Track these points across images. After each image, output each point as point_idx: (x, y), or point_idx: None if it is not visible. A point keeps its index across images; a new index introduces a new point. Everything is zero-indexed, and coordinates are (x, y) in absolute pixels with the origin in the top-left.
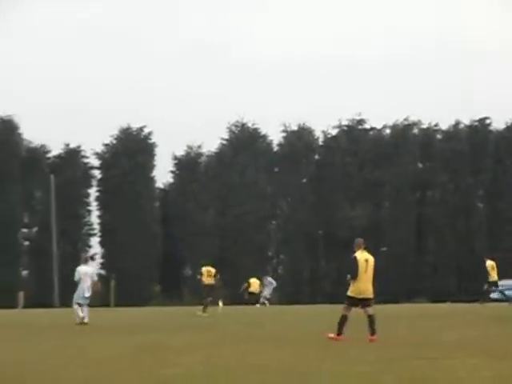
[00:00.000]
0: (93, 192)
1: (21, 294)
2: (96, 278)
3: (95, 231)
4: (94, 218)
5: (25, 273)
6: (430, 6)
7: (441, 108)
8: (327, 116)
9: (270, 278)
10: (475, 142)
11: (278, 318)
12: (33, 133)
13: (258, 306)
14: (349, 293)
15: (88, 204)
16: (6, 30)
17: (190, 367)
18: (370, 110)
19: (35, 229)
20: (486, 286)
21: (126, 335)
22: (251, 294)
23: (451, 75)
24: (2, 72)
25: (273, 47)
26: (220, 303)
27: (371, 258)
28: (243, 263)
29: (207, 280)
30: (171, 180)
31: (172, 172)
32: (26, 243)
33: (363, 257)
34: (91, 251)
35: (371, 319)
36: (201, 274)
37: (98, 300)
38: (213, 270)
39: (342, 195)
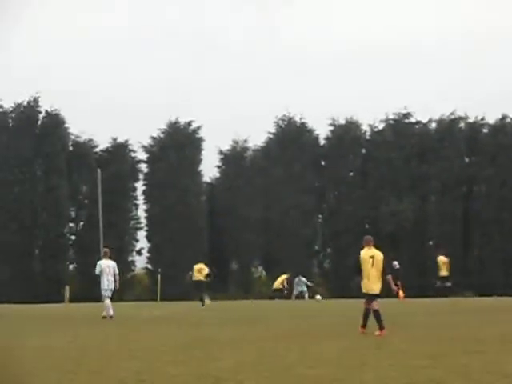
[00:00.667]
0: (139, 186)
1: (67, 288)
2: (117, 272)
3: (142, 225)
4: (141, 211)
5: (71, 267)
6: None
7: (487, 102)
8: (374, 109)
9: (303, 279)
10: None
11: (326, 312)
12: (80, 127)
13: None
14: (362, 290)
15: (135, 198)
16: (52, 26)
17: (239, 361)
18: (417, 103)
19: (82, 223)
20: None
21: (176, 328)
22: (275, 290)
23: (500, 68)
24: (49, 67)
25: (319, 40)
26: (207, 300)
27: (378, 254)
28: (289, 257)
29: (197, 276)
30: (217, 174)
31: (218, 167)
32: (73, 237)
33: (368, 253)
34: (138, 245)
35: (376, 314)
36: (192, 271)
37: (146, 294)
38: (205, 269)
39: (388, 189)
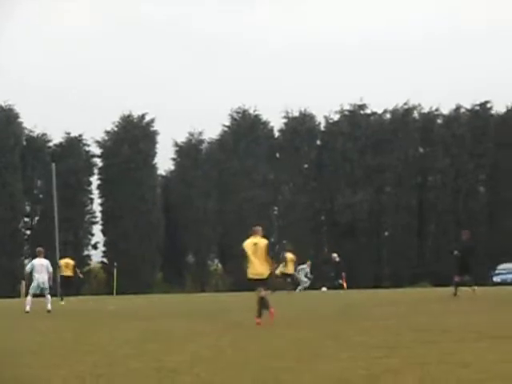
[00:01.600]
0: (94, 180)
1: (23, 284)
2: (51, 270)
3: (97, 219)
4: (96, 205)
5: (27, 262)
6: None
7: (441, 92)
8: (329, 101)
9: (304, 266)
10: (476, 126)
11: (285, 304)
12: (33, 122)
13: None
14: (248, 276)
15: (90, 192)
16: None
17: (196, 354)
18: (372, 94)
19: (37, 218)
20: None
21: (130, 322)
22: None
23: (454, 59)
24: (2, 61)
25: (274, 33)
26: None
27: (262, 241)
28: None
29: (65, 272)
30: (173, 167)
31: (173, 159)
32: (28, 232)
33: (252, 241)
34: (93, 239)
35: (262, 301)
36: (58, 267)
37: (102, 288)
38: (71, 263)
39: (343, 181)
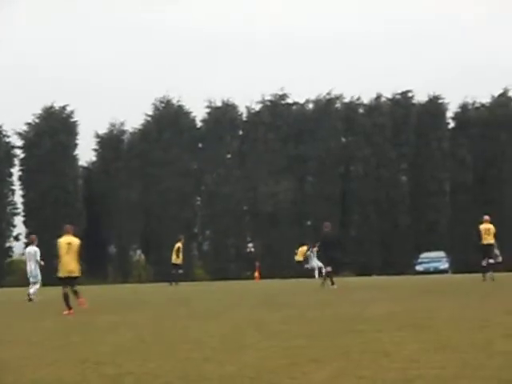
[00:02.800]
0: (16, 171)
1: None
2: (38, 258)
3: (19, 210)
4: (18, 197)
5: None
6: None
7: (363, 81)
8: (251, 91)
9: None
10: (397, 115)
11: (203, 295)
12: None
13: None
14: (59, 274)
15: (11, 183)
16: None
17: (118, 344)
18: (294, 85)
19: None
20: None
21: (54, 314)
22: (298, 262)
23: (373, 48)
24: None
25: (199, 22)
26: None
27: (75, 241)
28: (168, 240)
29: None
30: (95, 158)
31: (95, 150)
32: None
33: (66, 240)
34: (15, 231)
35: (75, 294)
36: None
37: (25, 280)
38: None
39: (266, 170)
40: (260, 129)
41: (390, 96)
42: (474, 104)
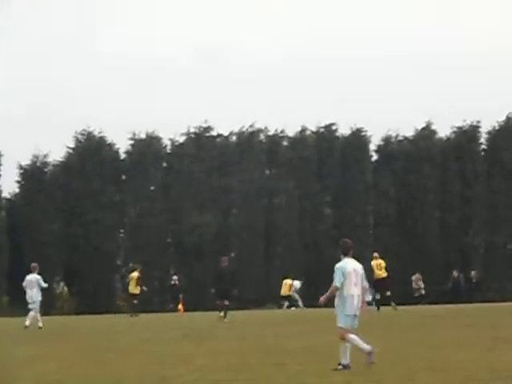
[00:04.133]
0: None
1: None
2: (43, 285)
3: None
4: None
5: None
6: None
7: (287, 114)
8: (175, 124)
9: (296, 282)
10: (321, 148)
11: (126, 328)
12: None
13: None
14: None
15: None
16: None
17: (40, 378)
18: (218, 117)
19: None
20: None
21: None
22: (283, 297)
23: (297, 81)
24: None
25: (116, 53)
26: None
27: None
28: (91, 272)
29: None
30: (17, 190)
31: (18, 182)
32: None
33: None
34: None
35: None
36: None
37: None
38: None
39: (190, 202)
40: (184, 161)
41: (314, 129)
42: (397, 137)
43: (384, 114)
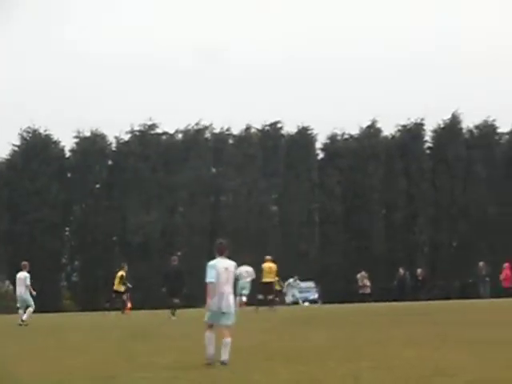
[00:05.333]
0: None
1: None
2: (29, 283)
3: None
4: None
5: None
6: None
7: (232, 112)
8: (120, 121)
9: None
10: (267, 146)
11: (73, 326)
12: None
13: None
14: None
15: None
16: None
17: None
18: (163, 114)
19: None
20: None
21: None
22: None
23: (242, 80)
24: None
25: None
26: None
27: None
28: (37, 271)
29: None
30: None
31: None
32: None
33: None
34: None
35: None
36: None
37: None
38: None
39: (135, 200)
40: (129, 158)
41: (259, 127)
42: (342, 135)
43: (329, 113)
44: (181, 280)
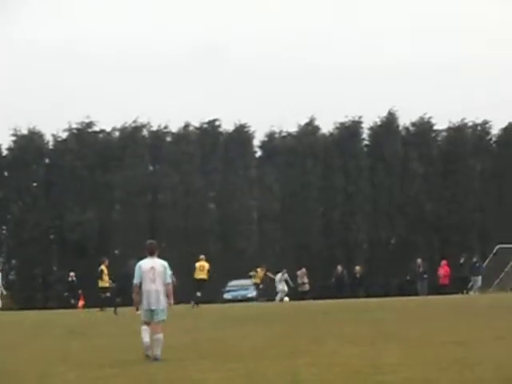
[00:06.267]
0: None
1: None
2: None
3: None
4: None
5: None
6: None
7: (170, 110)
8: (58, 119)
9: (286, 275)
10: (205, 143)
11: (10, 325)
12: None
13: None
14: None
15: None
16: None
17: None
18: (100, 112)
19: None
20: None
21: None
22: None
23: (180, 76)
24: None
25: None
26: None
27: None
28: None
29: None
30: None
31: None
32: None
33: None
34: None
35: None
36: None
37: None
38: None
39: (72, 199)
40: (66, 157)
41: (197, 125)
42: (280, 133)
43: (267, 110)
44: (127, 280)
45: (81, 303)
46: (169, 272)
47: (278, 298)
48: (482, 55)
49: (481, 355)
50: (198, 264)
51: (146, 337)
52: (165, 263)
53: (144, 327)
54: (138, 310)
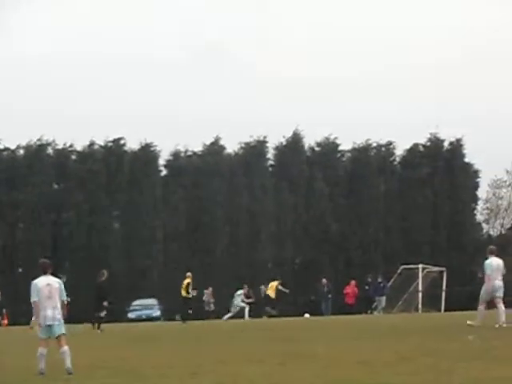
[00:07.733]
0: None
1: None
2: None
3: None
4: None
5: None
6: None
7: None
8: None
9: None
10: (110, 162)
11: None
12: None
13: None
14: None
15: None
16: None
17: None
18: (4, 130)
19: None
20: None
21: None
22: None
23: (86, 96)
24: None
25: None
26: None
27: None
28: None
29: None
30: None
31: None
32: None
33: None
34: None
35: None
36: None
37: None
38: None
39: None
40: None
41: (102, 143)
42: (185, 152)
43: (172, 129)
44: (103, 294)
45: (5, 322)
46: (63, 288)
47: (227, 315)
48: (379, 73)
49: (385, 376)
50: (185, 281)
51: (42, 364)
52: (59, 280)
53: (41, 349)
54: (32, 328)
